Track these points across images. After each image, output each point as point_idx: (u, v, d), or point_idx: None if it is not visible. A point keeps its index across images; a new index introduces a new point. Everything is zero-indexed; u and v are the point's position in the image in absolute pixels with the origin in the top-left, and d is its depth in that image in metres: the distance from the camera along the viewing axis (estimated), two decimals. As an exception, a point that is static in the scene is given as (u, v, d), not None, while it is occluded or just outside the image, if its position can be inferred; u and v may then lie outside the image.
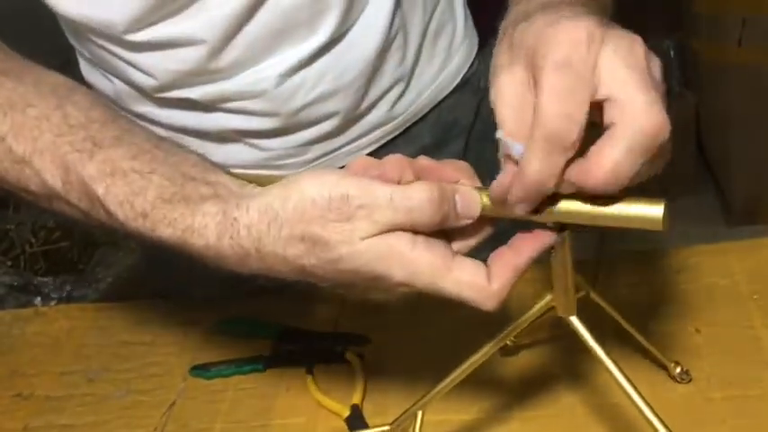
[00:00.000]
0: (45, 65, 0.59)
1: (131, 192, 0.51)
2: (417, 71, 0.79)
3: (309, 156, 0.78)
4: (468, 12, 0.85)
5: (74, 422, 0.75)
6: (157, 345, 0.82)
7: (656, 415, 0.53)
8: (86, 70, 0.79)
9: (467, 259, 0.49)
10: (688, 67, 2.18)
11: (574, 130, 0.43)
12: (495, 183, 0.47)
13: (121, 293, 1.76)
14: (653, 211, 0.44)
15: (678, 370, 0.66)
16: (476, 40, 0.86)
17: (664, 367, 0.66)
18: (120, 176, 0.51)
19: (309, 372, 0.73)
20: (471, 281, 0.48)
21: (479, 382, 0.66)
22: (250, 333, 0.80)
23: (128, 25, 0.67)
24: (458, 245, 0.50)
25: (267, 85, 0.71)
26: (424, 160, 0.50)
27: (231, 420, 0.72)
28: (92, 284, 1.95)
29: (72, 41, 0.77)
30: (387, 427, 0.61)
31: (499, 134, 0.47)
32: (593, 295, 0.61)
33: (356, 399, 0.70)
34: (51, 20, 0.72)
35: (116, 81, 0.75)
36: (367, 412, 0.69)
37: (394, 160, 0.49)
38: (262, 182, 0.51)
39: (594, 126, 0.45)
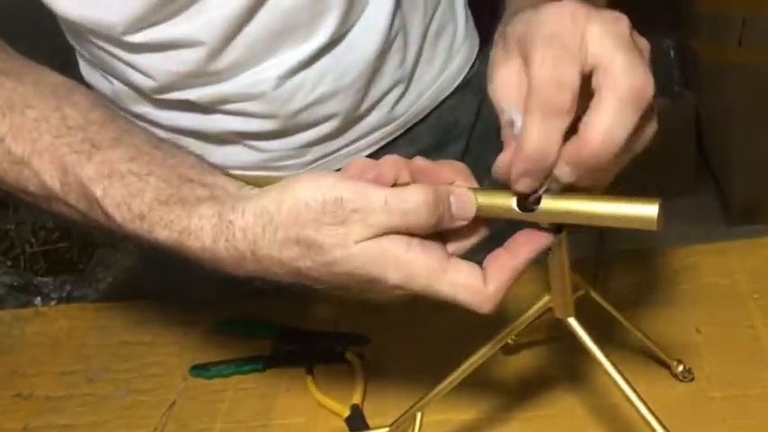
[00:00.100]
0: (45, 65, 0.59)
1: (129, 193, 0.51)
2: (418, 72, 0.79)
3: (309, 157, 0.78)
4: (469, 12, 0.85)
5: (74, 422, 0.75)
6: (157, 345, 0.82)
7: (655, 415, 0.53)
8: (86, 71, 0.79)
9: (462, 261, 0.49)
10: (688, 67, 2.18)
11: (567, 95, 0.44)
12: (496, 162, 0.48)
13: (121, 294, 1.76)
14: (647, 210, 0.44)
15: (681, 368, 0.66)
16: (477, 41, 0.85)
17: (666, 366, 0.66)
18: (118, 178, 0.51)
19: (309, 372, 0.73)
20: (467, 283, 0.48)
21: (479, 382, 0.66)
22: (250, 333, 0.80)
23: (127, 26, 0.66)
24: (453, 247, 0.50)
25: (266, 86, 0.71)
26: (420, 161, 0.50)
27: (231, 420, 0.72)
28: (91, 285, 1.95)
29: (72, 42, 0.76)
30: (386, 429, 0.61)
31: (504, 105, 0.47)
32: (593, 294, 0.61)
33: (356, 399, 0.70)
34: (51, 20, 0.71)
35: (115, 82, 0.75)
36: (367, 412, 0.69)
37: (390, 161, 0.49)
38: (261, 183, 0.51)
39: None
